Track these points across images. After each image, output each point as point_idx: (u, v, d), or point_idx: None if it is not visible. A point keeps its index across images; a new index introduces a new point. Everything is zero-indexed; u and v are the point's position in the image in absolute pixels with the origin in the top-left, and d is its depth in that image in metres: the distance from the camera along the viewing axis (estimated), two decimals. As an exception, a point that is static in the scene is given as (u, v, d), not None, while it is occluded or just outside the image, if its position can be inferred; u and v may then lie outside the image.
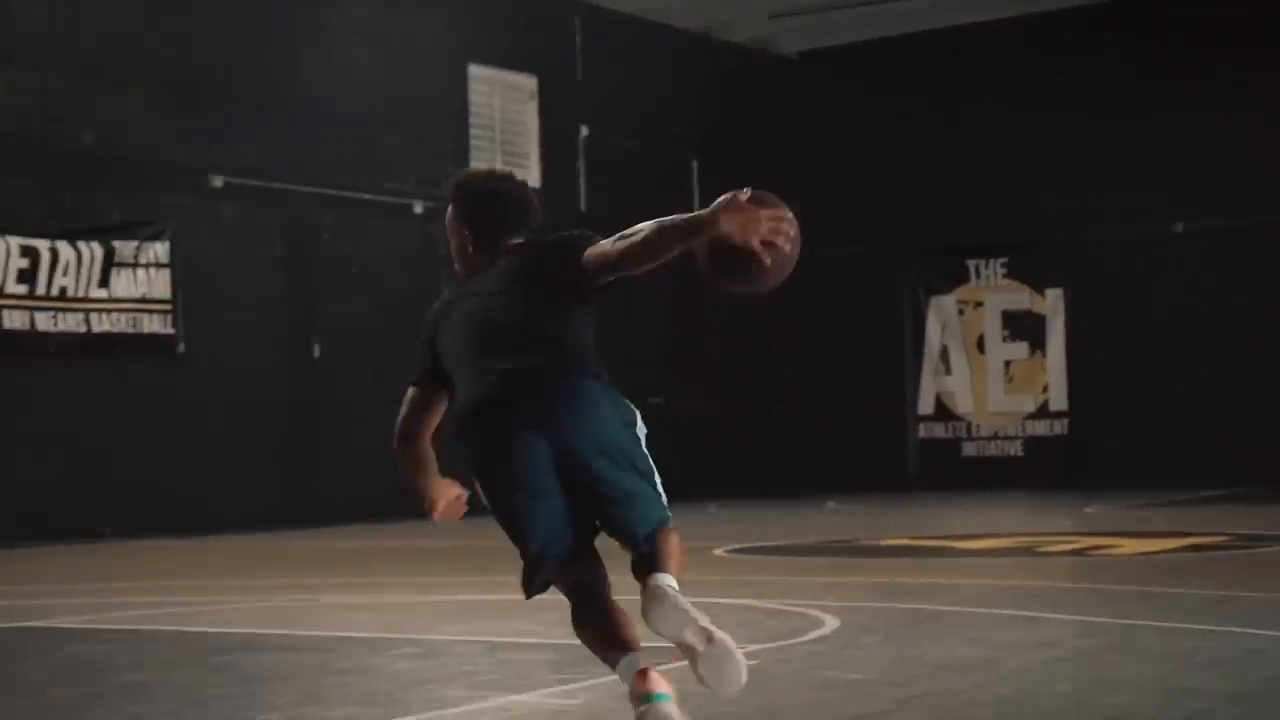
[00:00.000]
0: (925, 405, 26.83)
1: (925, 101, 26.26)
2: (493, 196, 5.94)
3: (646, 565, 5.31)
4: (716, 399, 26.15)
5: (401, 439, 5.83)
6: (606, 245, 5.49)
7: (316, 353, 21.41)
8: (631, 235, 5.40)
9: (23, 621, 9.43)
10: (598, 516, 5.44)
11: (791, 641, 7.90)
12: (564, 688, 6.61)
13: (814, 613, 8.99)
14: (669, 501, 5.48)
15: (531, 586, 5.57)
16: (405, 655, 7.79)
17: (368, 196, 22.12)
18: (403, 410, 5.82)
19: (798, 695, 6.38)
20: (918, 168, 26.30)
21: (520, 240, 5.87)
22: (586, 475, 5.39)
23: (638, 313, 24.89)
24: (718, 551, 14.38)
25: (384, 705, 6.33)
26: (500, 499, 5.49)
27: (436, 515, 5.83)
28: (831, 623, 8.56)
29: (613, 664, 5.34)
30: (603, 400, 5.52)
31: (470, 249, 5.88)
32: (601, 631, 5.41)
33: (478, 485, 5.56)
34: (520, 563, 5.54)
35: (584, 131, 25.40)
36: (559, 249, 5.67)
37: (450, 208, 5.95)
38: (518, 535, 5.50)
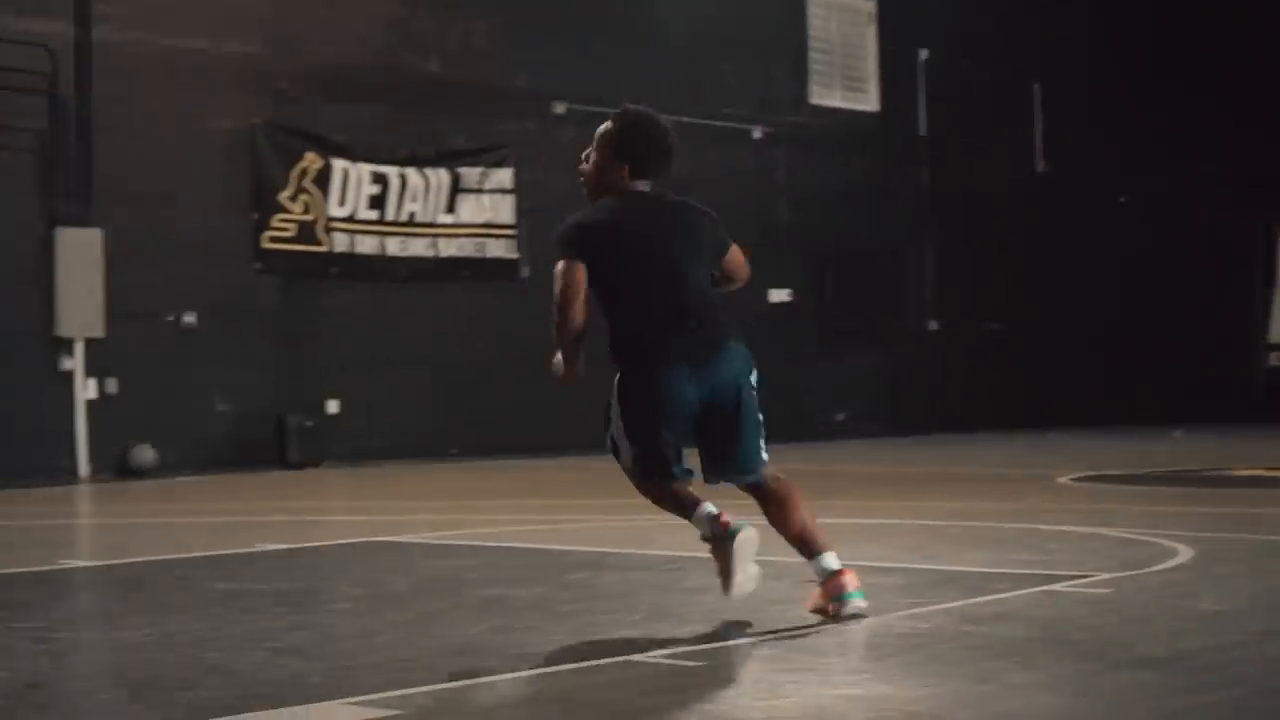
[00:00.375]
0: (1276, 334, 26.04)
1: (1271, 28, 25.37)
2: (659, 145, 6.84)
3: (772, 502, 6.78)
4: (1060, 327, 25.71)
5: (572, 318, 6.67)
6: (737, 260, 7.03)
7: (657, 275, 21.54)
8: (736, 275, 7.02)
9: (384, 536, 9.70)
10: (719, 447, 6.68)
11: (1144, 571, 7.73)
12: (914, 610, 6.57)
13: (1166, 542, 8.78)
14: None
15: (653, 482, 6.70)
16: (753, 576, 7.82)
17: (706, 122, 22.14)
18: (569, 289, 6.64)
19: (1154, 624, 6.25)
20: (1266, 93, 25.41)
21: (651, 189, 6.85)
22: (719, 416, 6.63)
23: (982, 241, 24.61)
24: (1062, 479, 14.17)
25: (735, 624, 6.36)
26: (645, 420, 6.64)
27: (567, 381, 6.83)
28: (1185, 553, 8.35)
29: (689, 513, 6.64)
30: (741, 360, 6.71)
31: (614, 175, 6.80)
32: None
33: (623, 400, 6.71)
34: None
35: (923, 55, 25.09)
36: (718, 236, 7.00)
37: (614, 131, 6.82)
38: (647, 447, 6.64)
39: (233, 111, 18.37)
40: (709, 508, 6.58)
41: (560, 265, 6.67)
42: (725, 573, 6.46)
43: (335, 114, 19.02)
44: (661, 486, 6.69)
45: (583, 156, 6.96)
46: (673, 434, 6.63)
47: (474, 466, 17.89)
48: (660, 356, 6.64)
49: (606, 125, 6.90)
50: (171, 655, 5.84)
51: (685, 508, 6.67)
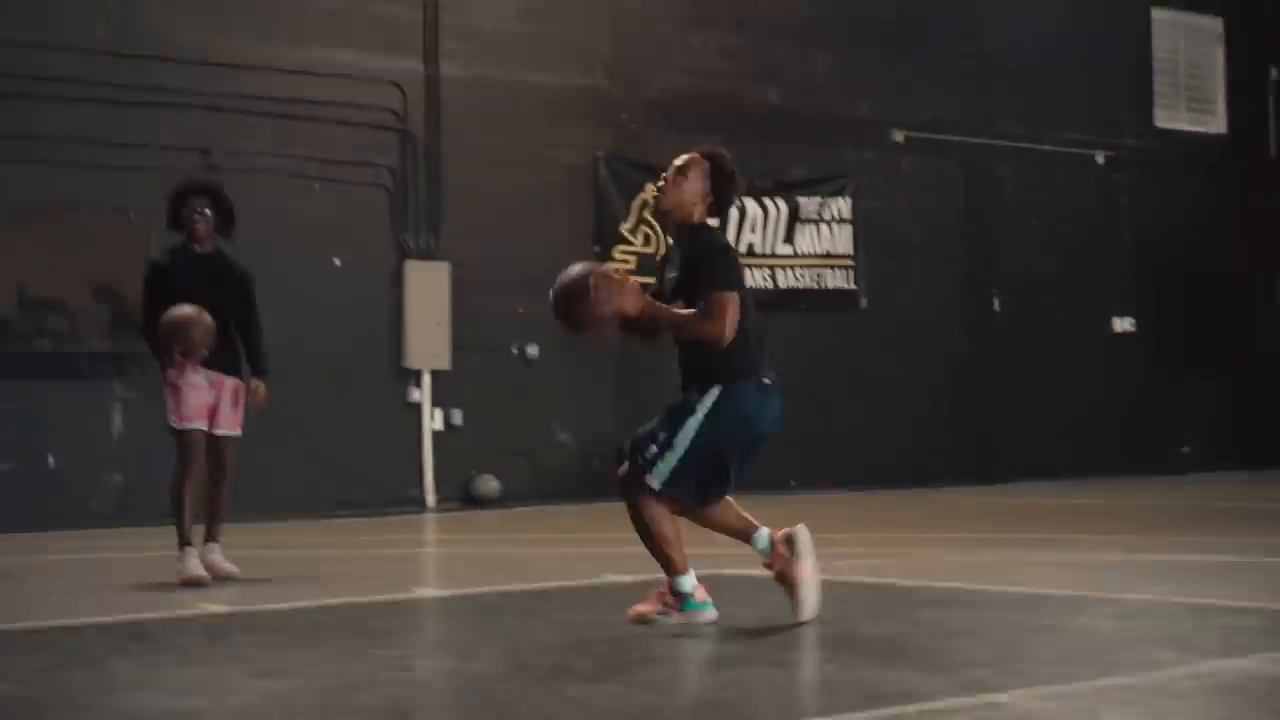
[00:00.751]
0: None
1: None
2: (738, 191, 7.53)
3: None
4: None
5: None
6: None
7: (996, 306, 21.31)
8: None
9: (728, 569, 9.70)
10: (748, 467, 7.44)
11: None
12: (1277, 654, 6.33)
13: None
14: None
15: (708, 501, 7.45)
16: (1108, 615, 7.64)
17: (1048, 147, 21.85)
18: (730, 316, 7.09)
19: None
20: None
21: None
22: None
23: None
24: None
25: (1092, 664, 6.20)
26: (731, 438, 7.25)
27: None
28: None
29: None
30: None
31: (700, 207, 7.37)
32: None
33: (715, 417, 7.19)
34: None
35: (1274, 74, 24.37)
36: None
37: (715, 167, 7.37)
38: (721, 468, 7.28)
39: (575, 144, 18.66)
40: (764, 531, 7.51)
41: (731, 297, 7.12)
42: (797, 591, 7.30)
43: (675, 145, 19.05)
44: (709, 506, 7.44)
45: (666, 177, 7.41)
46: (744, 455, 7.34)
47: (812, 498, 17.83)
48: (757, 379, 7.28)
49: (695, 157, 7.42)
50: (528, 686, 5.91)
51: (744, 528, 7.50)
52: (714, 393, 7.20)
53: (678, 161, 7.41)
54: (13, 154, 15.43)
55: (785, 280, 19.59)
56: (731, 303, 7.07)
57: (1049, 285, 21.69)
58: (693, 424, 7.20)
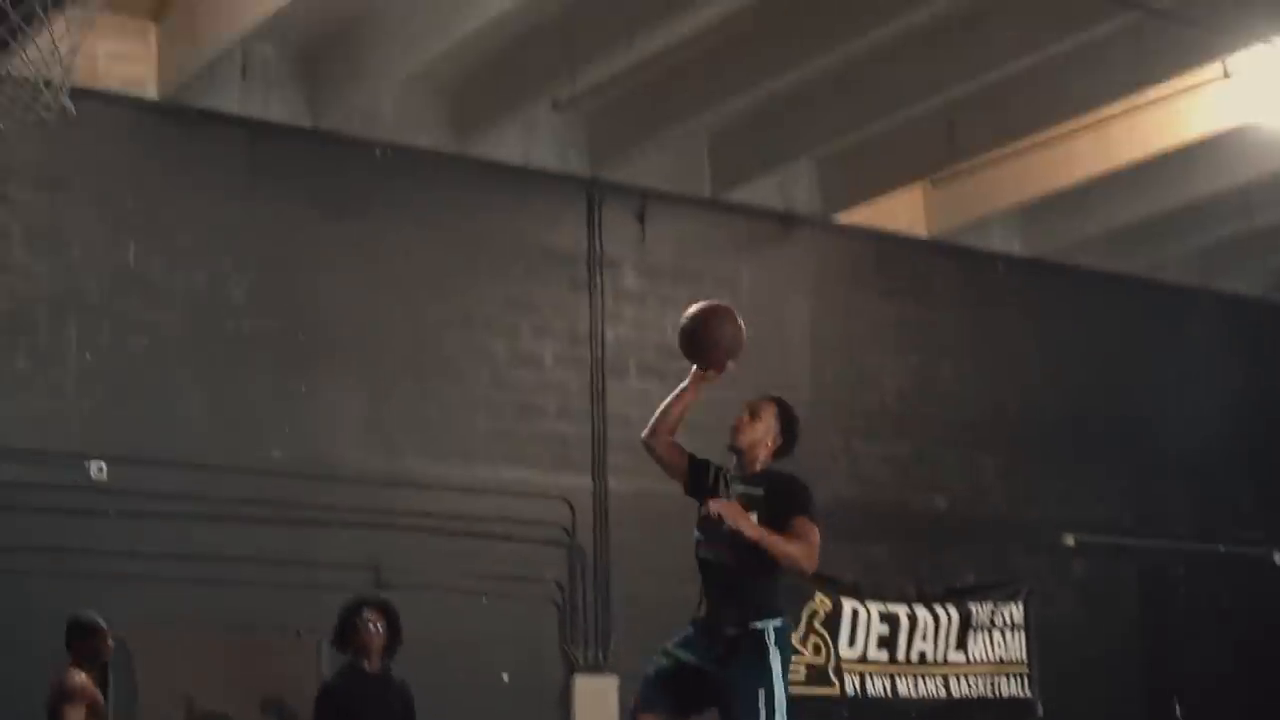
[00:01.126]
0: None
1: None
2: (799, 435, 8.03)
3: None
4: None
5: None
6: None
7: (1178, 711, 20.82)
8: None
9: None
10: None
11: None
12: None
13: None
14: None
15: None
16: None
17: (1222, 548, 21.56)
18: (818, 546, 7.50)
19: None
20: None
21: None
22: None
23: None
24: None
25: None
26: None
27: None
28: None
29: None
30: None
31: (769, 448, 8.06)
32: None
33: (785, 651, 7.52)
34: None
35: None
36: None
37: (790, 416, 8.09)
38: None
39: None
40: None
41: (817, 529, 7.56)
42: None
43: (843, 554, 19.07)
44: None
45: (740, 418, 8.17)
46: None
47: None
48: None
49: (767, 401, 8.13)
50: None
51: None
52: (772, 632, 7.50)
53: (751, 405, 8.09)
54: (185, 572, 15.61)
55: (958, 689, 19.20)
56: (818, 534, 7.52)
57: (1231, 688, 21.11)
58: (776, 668, 7.53)
